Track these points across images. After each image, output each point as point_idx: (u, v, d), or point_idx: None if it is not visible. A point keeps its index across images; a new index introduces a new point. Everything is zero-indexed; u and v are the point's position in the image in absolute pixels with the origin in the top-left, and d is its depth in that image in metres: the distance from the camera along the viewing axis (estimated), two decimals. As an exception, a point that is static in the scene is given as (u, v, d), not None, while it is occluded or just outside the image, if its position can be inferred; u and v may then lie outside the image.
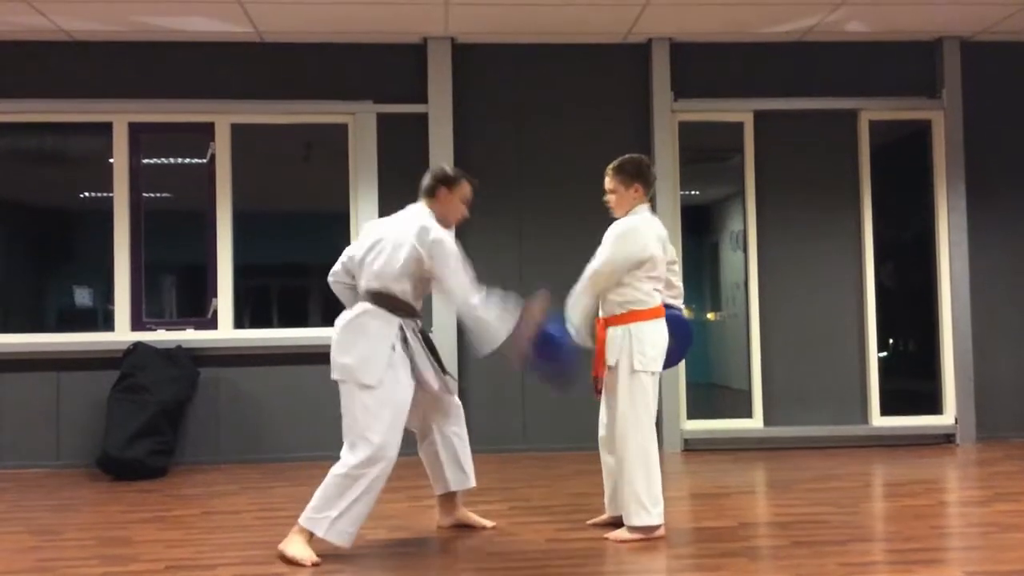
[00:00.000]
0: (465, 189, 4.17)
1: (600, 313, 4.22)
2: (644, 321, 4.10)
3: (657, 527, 4.06)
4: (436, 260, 3.86)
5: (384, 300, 3.95)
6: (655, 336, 4.11)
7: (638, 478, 4.02)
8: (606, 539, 4.08)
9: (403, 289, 3.95)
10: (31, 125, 6.71)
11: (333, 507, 3.80)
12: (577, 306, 4.17)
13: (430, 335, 4.21)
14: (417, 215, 4.02)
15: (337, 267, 4.21)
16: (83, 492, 5.55)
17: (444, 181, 4.12)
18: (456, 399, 4.31)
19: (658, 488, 4.06)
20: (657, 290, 4.18)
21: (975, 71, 6.99)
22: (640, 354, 4.06)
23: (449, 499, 4.37)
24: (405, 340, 3.95)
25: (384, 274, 3.94)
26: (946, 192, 6.93)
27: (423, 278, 3.96)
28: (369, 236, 4.10)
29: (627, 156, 4.32)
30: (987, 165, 7.01)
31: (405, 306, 3.98)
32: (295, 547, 3.81)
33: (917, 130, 7.08)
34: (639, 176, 4.24)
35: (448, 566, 3.87)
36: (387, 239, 3.98)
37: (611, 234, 4.16)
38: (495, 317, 3.86)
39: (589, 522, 4.37)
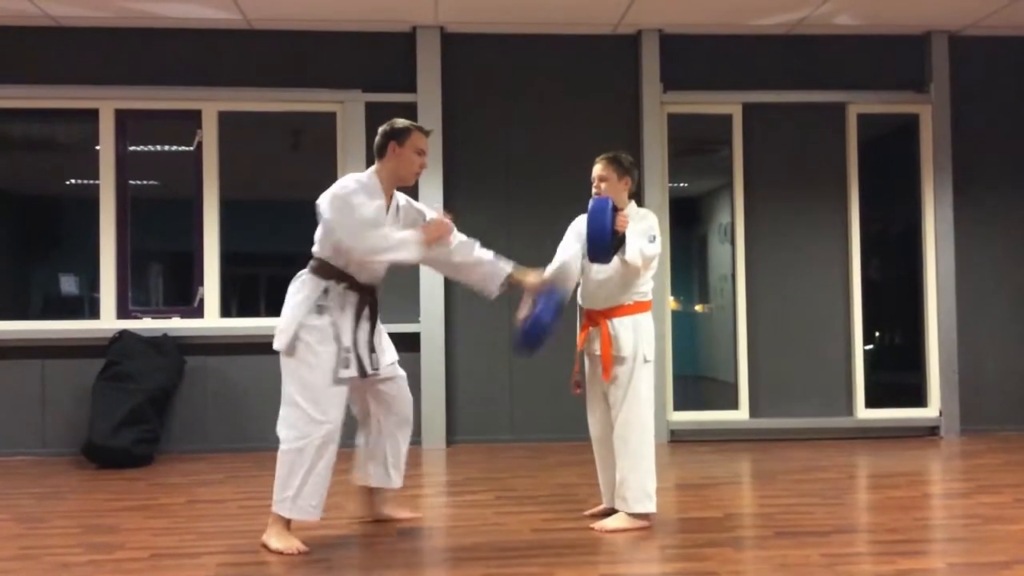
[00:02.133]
0: (417, 140, 3.98)
1: (601, 304, 4.21)
2: (647, 312, 4.24)
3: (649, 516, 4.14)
4: (329, 210, 3.78)
5: (315, 263, 3.93)
6: (651, 326, 4.25)
7: (648, 467, 4.12)
8: (592, 529, 4.09)
9: (328, 254, 3.88)
10: (16, 111, 6.65)
11: (288, 486, 3.78)
12: (646, 255, 4.09)
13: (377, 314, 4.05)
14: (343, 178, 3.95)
15: None
16: (68, 480, 5.53)
17: (392, 135, 3.97)
18: (403, 392, 4.17)
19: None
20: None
21: (963, 65, 7.01)
22: (648, 344, 4.18)
23: (367, 492, 4.24)
24: (327, 307, 3.83)
25: (316, 238, 3.93)
26: (933, 186, 6.96)
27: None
28: None
29: (618, 152, 4.38)
30: (974, 159, 7.04)
31: (335, 272, 3.87)
32: (276, 539, 3.81)
33: (905, 124, 7.10)
34: (630, 172, 4.32)
35: (432, 555, 3.87)
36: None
37: (646, 225, 4.17)
38: (399, 236, 3.81)
39: (586, 512, 4.38)
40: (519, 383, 6.76)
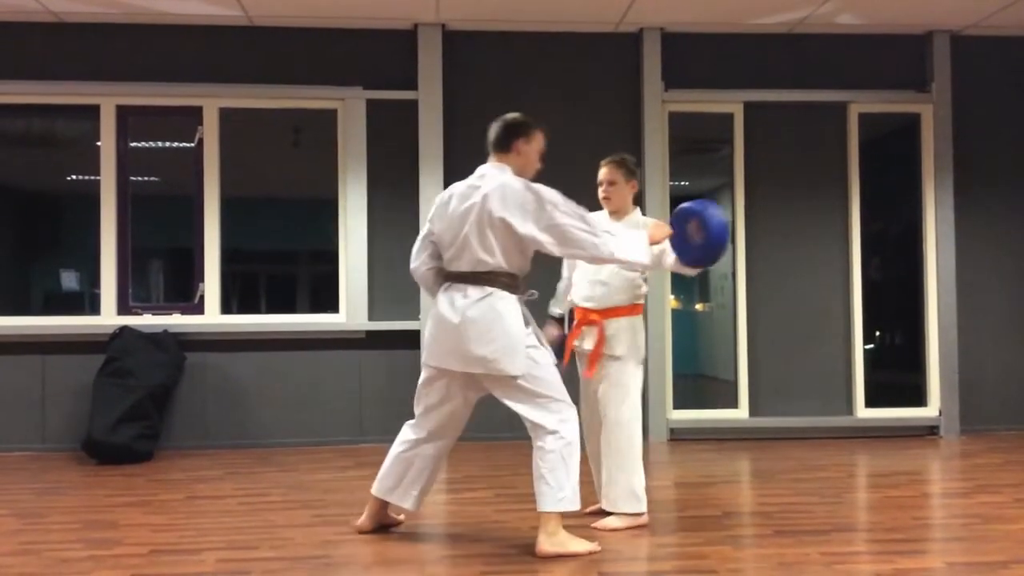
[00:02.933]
0: (541, 139, 3.89)
1: (598, 304, 4.21)
2: (640, 315, 4.26)
3: (644, 514, 4.14)
4: (541, 216, 3.60)
5: (506, 279, 3.73)
6: (643, 329, 4.28)
7: (635, 467, 4.13)
8: (595, 528, 4.09)
9: (517, 267, 3.76)
10: (18, 107, 6.65)
11: (571, 479, 3.69)
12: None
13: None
14: (495, 175, 3.75)
15: (419, 250, 4.00)
16: (68, 476, 5.53)
17: (520, 132, 3.82)
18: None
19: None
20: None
21: (965, 65, 7.01)
22: (643, 346, 4.23)
23: (382, 505, 4.08)
24: (527, 316, 3.79)
25: (501, 250, 3.71)
26: (934, 186, 6.96)
27: (521, 245, 3.72)
28: (448, 207, 3.84)
29: (624, 154, 4.40)
30: (975, 159, 7.04)
31: (520, 282, 3.79)
32: (573, 542, 3.69)
33: (906, 123, 7.10)
34: (635, 175, 4.36)
35: (431, 553, 3.87)
36: (469, 209, 3.73)
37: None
38: (626, 239, 3.69)
39: (585, 510, 4.38)
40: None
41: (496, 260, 3.71)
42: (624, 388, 4.16)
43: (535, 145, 3.88)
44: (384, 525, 4.11)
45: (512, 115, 3.93)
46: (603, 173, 4.32)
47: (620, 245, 3.68)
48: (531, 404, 3.76)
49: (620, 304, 4.20)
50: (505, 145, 3.85)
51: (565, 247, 3.69)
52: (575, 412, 3.78)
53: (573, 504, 3.69)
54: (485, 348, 3.68)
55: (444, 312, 3.78)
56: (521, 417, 3.81)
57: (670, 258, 4.10)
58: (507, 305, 3.71)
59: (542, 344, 3.84)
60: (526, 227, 3.66)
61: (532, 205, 3.66)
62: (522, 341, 3.69)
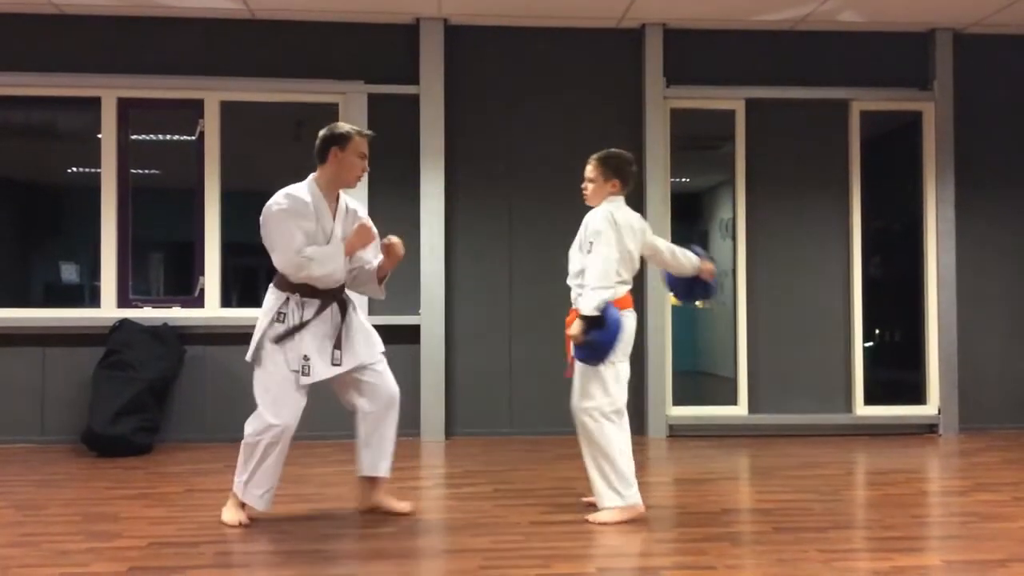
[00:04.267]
0: (357, 145, 4.12)
1: (574, 302, 4.24)
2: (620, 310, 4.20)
3: (631, 504, 4.14)
4: (262, 229, 4.04)
5: (276, 277, 4.13)
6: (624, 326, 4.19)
7: (611, 463, 4.12)
8: (587, 520, 4.11)
9: (281, 267, 4.06)
10: (19, 99, 6.65)
11: (244, 472, 4.06)
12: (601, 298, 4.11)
13: (349, 311, 4.17)
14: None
15: None
16: (67, 468, 5.54)
17: (334, 141, 4.09)
18: (385, 381, 4.21)
19: (631, 471, 4.17)
20: (624, 282, 4.26)
21: (967, 63, 7.00)
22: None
23: (365, 482, 4.29)
24: (287, 315, 4.02)
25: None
26: (935, 184, 6.96)
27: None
28: None
29: (614, 150, 4.37)
30: (977, 158, 7.04)
31: (290, 284, 4.05)
32: (227, 511, 4.11)
33: (908, 121, 7.10)
34: (619, 172, 4.30)
35: (430, 547, 3.88)
36: None
37: (594, 230, 4.16)
38: (328, 250, 4.02)
39: (584, 500, 4.40)
40: (518, 376, 6.76)
41: None
42: (584, 382, 4.17)
43: (351, 151, 4.12)
44: (379, 508, 4.33)
45: (326, 128, 4.20)
46: (587, 170, 4.34)
47: (321, 252, 4.06)
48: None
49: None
50: (321, 155, 4.14)
51: None
52: (266, 428, 3.99)
53: (239, 493, 4.08)
54: None
55: None
56: None
57: None
58: (266, 300, 4.16)
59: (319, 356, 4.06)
60: None
61: None
62: (262, 332, 4.05)
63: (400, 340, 6.58)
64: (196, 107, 6.64)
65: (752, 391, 6.89)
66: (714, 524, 4.14)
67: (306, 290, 4.05)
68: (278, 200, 4.02)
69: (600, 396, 4.15)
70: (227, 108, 6.67)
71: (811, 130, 7.02)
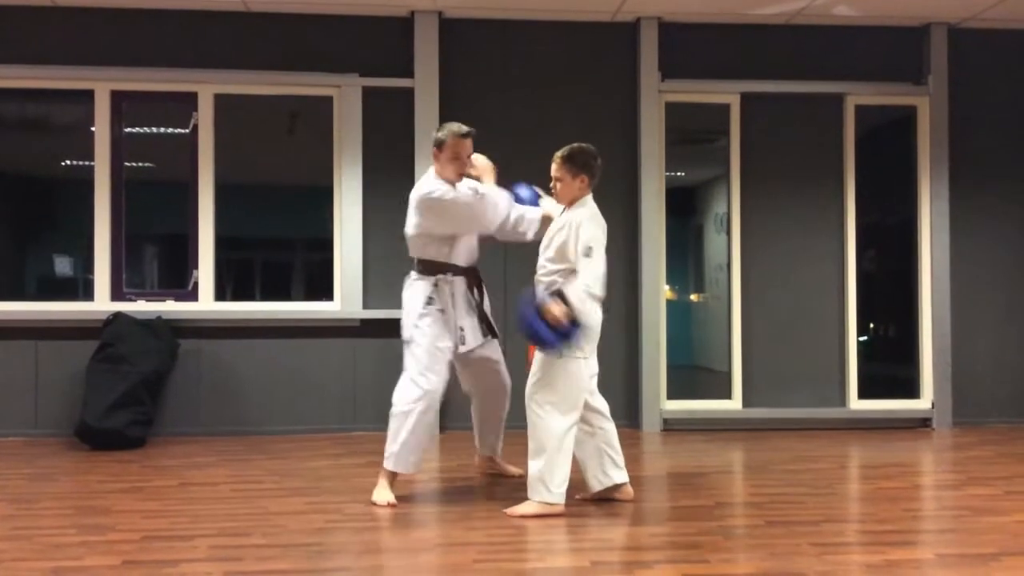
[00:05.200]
0: (452, 146, 4.46)
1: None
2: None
3: (555, 504, 4.15)
4: (442, 212, 4.40)
5: (417, 264, 4.56)
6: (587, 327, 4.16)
7: (552, 458, 4.11)
8: (505, 512, 4.15)
9: (427, 250, 4.49)
10: (11, 91, 6.62)
11: (394, 442, 4.36)
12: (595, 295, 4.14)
13: (482, 295, 4.65)
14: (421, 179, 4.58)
15: None
16: (61, 461, 5.53)
17: (435, 144, 4.51)
18: (503, 377, 4.85)
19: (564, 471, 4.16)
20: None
21: (962, 58, 7.00)
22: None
23: (485, 459, 5.04)
24: (437, 297, 4.47)
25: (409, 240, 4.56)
26: (929, 178, 6.96)
27: (444, 234, 4.47)
28: None
29: (576, 145, 4.33)
30: (971, 152, 7.04)
31: (438, 266, 4.49)
32: (377, 492, 4.38)
33: (903, 116, 7.10)
34: (586, 167, 4.27)
35: (423, 541, 3.88)
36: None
37: (593, 237, 4.15)
38: (490, 190, 4.45)
39: (577, 496, 4.40)
40: (511, 371, 6.74)
41: None
42: (549, 380, 4.16)
43: (447, 153, 4.50)
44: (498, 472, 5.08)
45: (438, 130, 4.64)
46: (552, 169, 4.32)
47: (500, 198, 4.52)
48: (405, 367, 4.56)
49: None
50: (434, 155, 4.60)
51: None
52: (419, 394, 4.37)
53: (388, 463, 4.40)
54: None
55: None
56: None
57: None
58: (411, 286, 4.60)
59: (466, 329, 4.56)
60: None
61: None
62: (417, 313, 4.48)
63: (395, 334, 6.51)
64: (190, 100, 6.61)
65: (746, 385, 6.90)
66: (708, 518, 4.15)
67: (454, 269, 4.49)
68: (438, 186, 4.41)
69: (564, 393, 4.13)
70: (221, 101, 6.64)
71: (806, 124, 7.02)
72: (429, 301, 4.44)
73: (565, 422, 4.14)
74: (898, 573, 3.33)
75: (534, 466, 4.15)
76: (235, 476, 5.06)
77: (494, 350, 4.76)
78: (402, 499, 4.41)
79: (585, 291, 4.08)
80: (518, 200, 4.63)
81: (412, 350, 4.42)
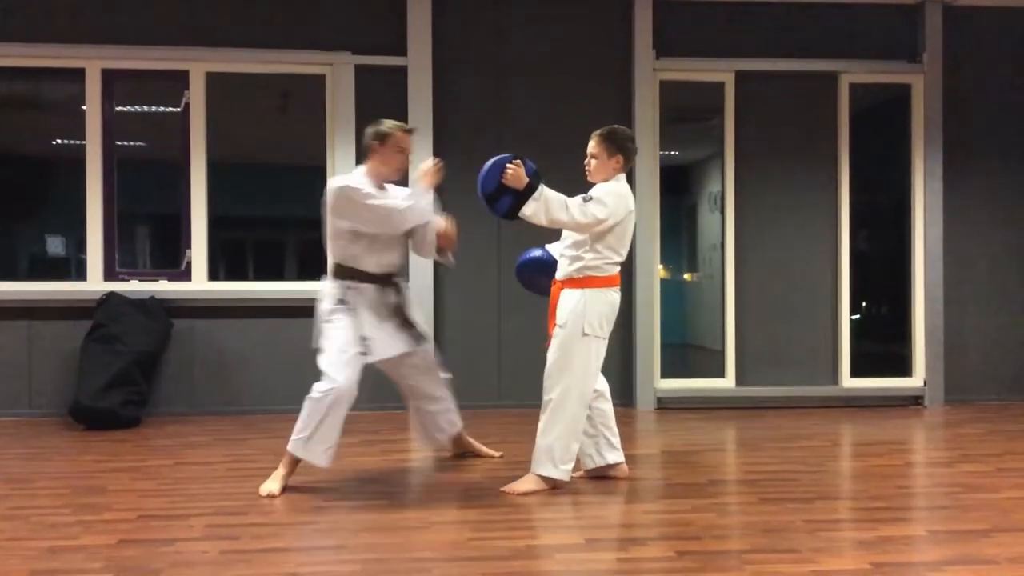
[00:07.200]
0: (398, 140, 4.37)
1: (559, 275, 4.29)
2: (599, 288, 4.19)
3: (559, 481, 4.21)
4: (346, 208, 4.26)
5: (333, 268, 4.45)
6: (600, 303, 4.19)
7: (562, 434, 4.16)
8: (502, 491, 4.19)
9: (339, 252, 4.39)
10: (2, 69, 6.56)
11: (305, 428, 4.22)
12: (553, 217, 4.11)
13: (403, 296, 4.54)
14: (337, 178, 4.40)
15: None
16: (55, 441, 5.53)
17: (375, 137, 4.38)
18: (431, 382, 4.71)
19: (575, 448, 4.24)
20: (618, 263, 4.25)
21: (957, 36, 6.99)
22: (590, 319, 4.16)
23: (454, 439, 4.92)
24: (348, 300, 4.36)
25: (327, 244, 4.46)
26: (923, 157, 6.97)
27: (359, 233, 4.32)
28: None
29: (615, 126, 4.36)
30: (965, 131, 7.04)
31: (348, 271, 4.38)
32: (272, 480, 4.24)
33: (897, 94, 7.09)
34: (623, 148, 4.29)
35: (417, 520, 3.89)
36: None
37: (602, 194, 4.16)
38: (416, 199, 4.31)
39: (574, 474, 4.41)
40: (506, 349, 6.77)
41: None
42: (563, 357, 4.18)
43: (391, 146, 4.39)
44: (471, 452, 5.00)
45: (372, 125, 4.47)
46: (589, 146, 4.32)
47: (411, 200, 4.37)
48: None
49: (571, 276, 4.22)
50: (366, 150, 4.46)
51: None
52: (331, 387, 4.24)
53: (296, 449, 4.24)
54: None
55: None
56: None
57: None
58: (326, 287, 4.48)
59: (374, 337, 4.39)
60: None
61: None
62: (326, 313, 4.38)
63: (389, 313, 6.57)
64: (181, 78, 6.57)
65: (740, 363, 6.92)
66: (701, 495, 4.17)
67: (363, 276, 4.37)
68: (358, 182, 4.29)
69: (580, 372, 4.16)
70: (213, 79, 6.60)
71: (800, 103, 7.01)
72: (340, 303, 4.34)
73: (580, 400, 4.18)
74: (890, 549, 3.36)
75: (543, 441, 4.19)
76: (230, 455, 5.07)
77: (421, 357, 4.62)
78: (396, 479, 4.42)
79: (568, 200, 4.10)
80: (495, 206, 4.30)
81: (323, 349, 4.31)
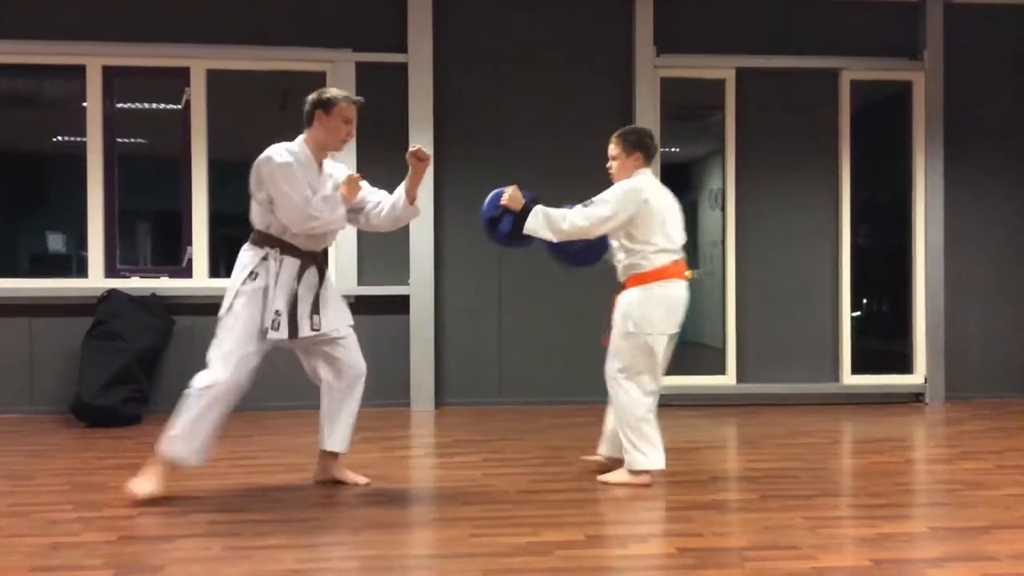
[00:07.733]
0: (342, 110, 4.07)
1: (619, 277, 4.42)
2: (641, 285, 4.24)
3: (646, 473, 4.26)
4: (265, 182, 3.93)
5: (254, 234, 4.08)
6: (641, 300, 4.22)
7: (634, 426, 4.22)
8: (600, 480, 4.28)
9: (263, 218, 4.02)
10: (3, 66, 6.56)
11: (176, 426, 3.96)
12: (556, 227, 4.20)
13: (326, 280, 4.18)
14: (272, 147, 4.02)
15: None
16: (56, 438, 5.53)
17: (319, 104, 4.06)
18: (351, 356, 4.28)
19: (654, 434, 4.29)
20: (660, 252, 4.25)
21: (957, 33, 6.98)
22: (633, 317, 4.22)
23: (326, 455, 4.33)
24: (262, 273, 3.98)
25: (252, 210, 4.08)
26: (924, 154, 6.96)
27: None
28: None
29: (632, 126, 4.51)
30: (966, 128, 7.04)
31: (270, 239, 4.01)
32: (141, 481, 3.97)
33: (898, 91, 7.08)
34: (641, 145, 4.37)
35: (420, 516, 3.90)
36: None
37: (605, 194, 4.26)
38: (332, 198, 4.02)
39: (582, 457, 4.45)
40: (508, 346, 6.77)
41: None
42: (617, 354, 4.28)
43: (336, 116, 4.07)
44: (337, 480, 4.33)
45: (316, 91, 4.15)
46: (609, 149, 4.42)
47: (324, 213, 3.99)
48: None
49: (621, 279, 4.35)
50: (307, 118, 4.11)
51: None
52: (212, 383, 3.95)
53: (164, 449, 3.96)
54: None
55: None
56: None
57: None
58: (242, 257, 4.08)
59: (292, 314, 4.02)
60: None
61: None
62: (235, 289, 4.00)
63: (390, 310, 6.58)
64: (182, 75, 6.57)
65: (740, 361, 6.92)
66: (702, 492, 4.17)
67: (286, 247, 4.01)
68: (280, 152, 3.96)
69: (630, 364, 4.24)
70: (213, 76, 6.60)
71: (801, 100, 7.00)
72: (252, 276, 3.97)
73: (641, 393, 4.25)
74: (891, 546, 3.36)
75: (624, 440, 4.25)
76: (231, 452, 5.06)
77: (339, 341, 4.24)
78: (397, 476, 4.42)
79: (568, 211, 4.19)
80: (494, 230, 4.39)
81: (220, 329, 4.02)
